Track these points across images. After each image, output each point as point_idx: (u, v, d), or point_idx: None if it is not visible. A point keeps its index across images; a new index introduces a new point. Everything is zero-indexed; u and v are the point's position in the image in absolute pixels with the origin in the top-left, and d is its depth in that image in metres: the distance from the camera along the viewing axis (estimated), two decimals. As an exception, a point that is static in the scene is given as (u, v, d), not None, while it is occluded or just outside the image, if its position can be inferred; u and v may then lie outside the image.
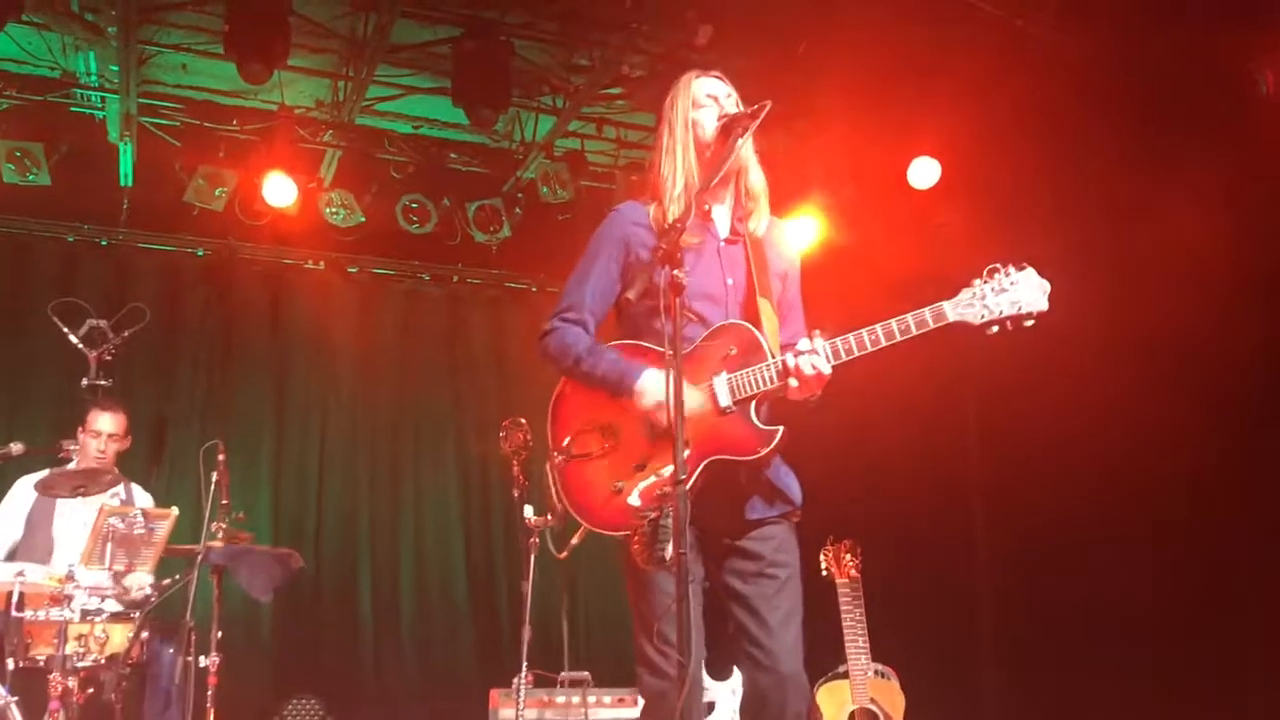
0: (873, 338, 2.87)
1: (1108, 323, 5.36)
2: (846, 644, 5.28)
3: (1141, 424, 5.35)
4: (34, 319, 6.18)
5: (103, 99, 7.09)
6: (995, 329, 2.88)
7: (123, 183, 7.56)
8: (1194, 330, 5.08)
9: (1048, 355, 5.48)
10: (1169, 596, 5.34)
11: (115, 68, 6.65)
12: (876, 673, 5.36)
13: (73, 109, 7.19)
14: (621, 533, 2.94)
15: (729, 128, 3.01)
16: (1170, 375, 5.22)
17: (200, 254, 8.06)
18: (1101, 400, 5.48)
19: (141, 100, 7.02)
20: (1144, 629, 5.47)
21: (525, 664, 5.00)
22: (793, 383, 2.89)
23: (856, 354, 2.88)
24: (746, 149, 3.11)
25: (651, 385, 2.93)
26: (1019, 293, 2.86)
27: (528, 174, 7.87)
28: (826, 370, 2.88)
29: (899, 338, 2.86)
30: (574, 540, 4.90)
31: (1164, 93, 5.36)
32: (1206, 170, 5.00)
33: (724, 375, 2.96)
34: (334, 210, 7.80)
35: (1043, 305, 2.87)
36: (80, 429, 5.55)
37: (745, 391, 2.93)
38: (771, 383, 2.91)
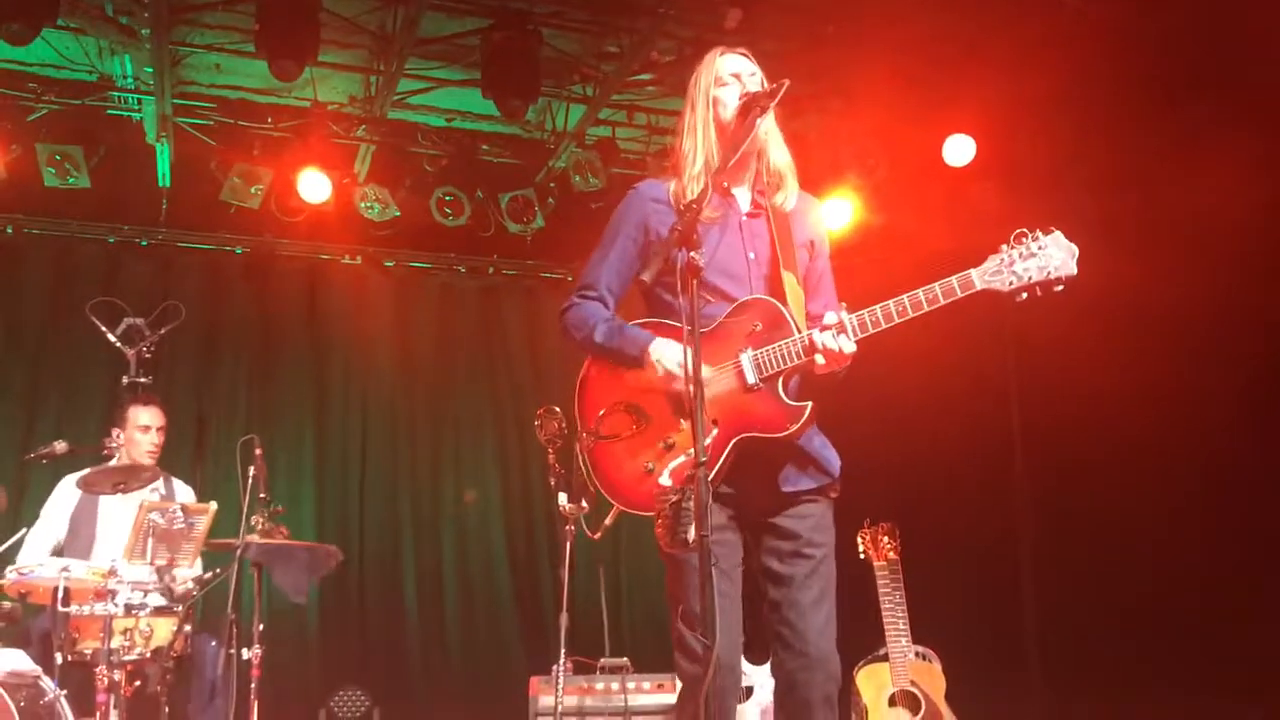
0: (899, 309, 2.82)
1: (1146, 296, 5.26)
2: (886, 626, 5.24)
3: (1186, 401, 5.23)
4: (78, 320, 6.24)
5: (139, 101, 7.17)
6: (1025, 295, 2.80)
7: (161, 183, 7.66)
8: (1233, 303, 4.97)
9: (1089, 332, 5.40)
10: (1215, 579, 5.23)
11: (150, 69, 6.72)
12: (917, 655, 5.32)
13: (110, 111, 7.27)
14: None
15: (748, 107, 2.97)
16: (1211, 348, 5.11)
17: (238, 251, 8.16)
18: (1145, 377, 5.37)
19: (176, 101, 7.10)
20: (1189, 610, 5.36)
21: (564, 651, 5.01)
22: (819, 359, 2.85)
23: (884, 325, 2.84)
24: (767, 128, 3.07)
25: (661, 352, 2.92)
26: (1047, 257, 2.78)
27: (560, 163, 7.87)
28: (850, 346, 2.84)
29: (926, 308, 2.80)
30: (607, 521, 4.91)
31: (1199, 62, 5.25)
32: (1242, 141, 4.88)
33: (750, 351, 2.93)
34: (369, 205, 7.84)
35: (1072, 269, 2.78)
36: (118, 427, 5.59)
37: (772, 368, 2.90)
38: (798, 358, 2.88)
